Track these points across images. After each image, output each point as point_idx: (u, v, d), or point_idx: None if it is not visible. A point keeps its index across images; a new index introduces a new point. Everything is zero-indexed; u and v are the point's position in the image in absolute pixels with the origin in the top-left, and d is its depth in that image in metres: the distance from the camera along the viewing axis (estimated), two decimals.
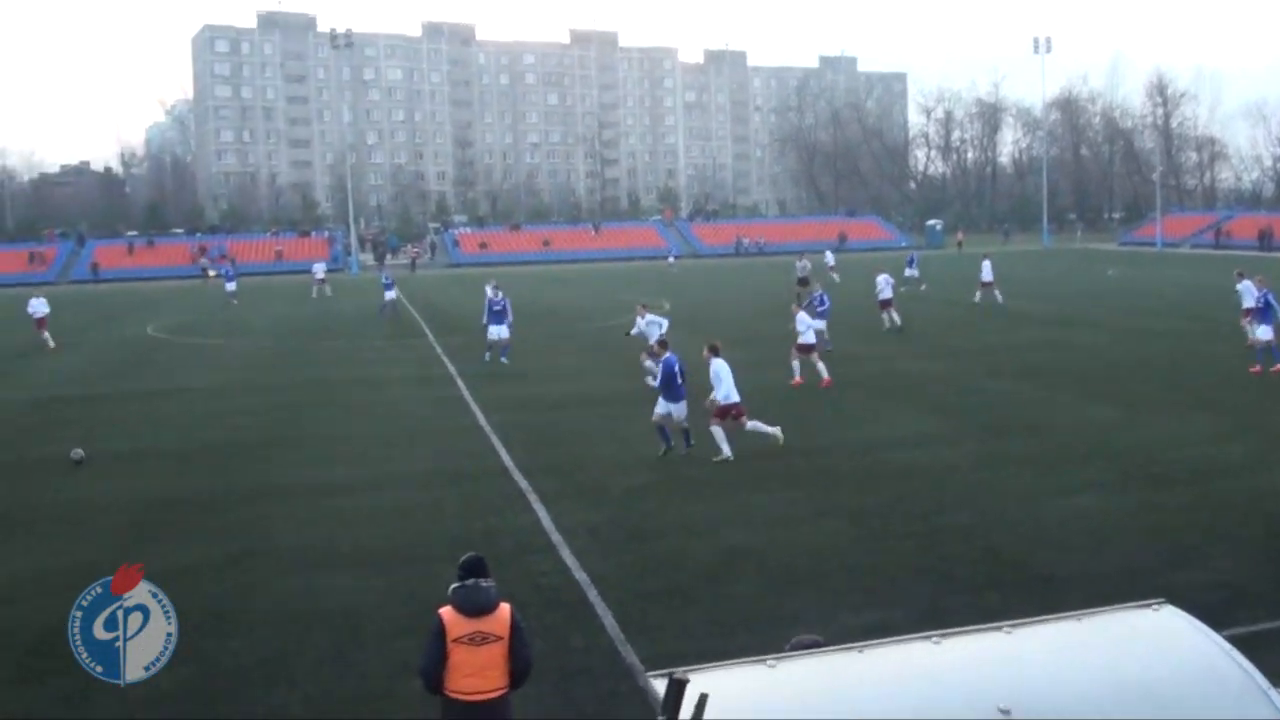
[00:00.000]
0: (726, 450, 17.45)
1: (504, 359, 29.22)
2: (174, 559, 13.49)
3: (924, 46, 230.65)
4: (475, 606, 7.02)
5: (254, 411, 24.18)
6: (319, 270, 64.30)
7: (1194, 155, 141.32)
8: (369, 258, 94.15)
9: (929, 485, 15.98)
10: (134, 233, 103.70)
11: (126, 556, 13.61)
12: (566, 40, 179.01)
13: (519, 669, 7.11)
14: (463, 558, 7.24)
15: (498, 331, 29.55)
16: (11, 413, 25.25)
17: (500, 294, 30.45)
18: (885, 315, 35.03)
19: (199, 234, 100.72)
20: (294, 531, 14.69)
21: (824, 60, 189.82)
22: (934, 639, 4.38)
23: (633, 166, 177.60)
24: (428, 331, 39.39)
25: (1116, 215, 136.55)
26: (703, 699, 3.77)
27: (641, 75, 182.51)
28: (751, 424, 17.98)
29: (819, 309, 29.11)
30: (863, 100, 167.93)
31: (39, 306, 38.74)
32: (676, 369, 17.79)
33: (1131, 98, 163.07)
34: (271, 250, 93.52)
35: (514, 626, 7.10)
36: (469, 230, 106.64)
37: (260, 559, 13.55)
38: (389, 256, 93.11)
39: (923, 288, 48.64)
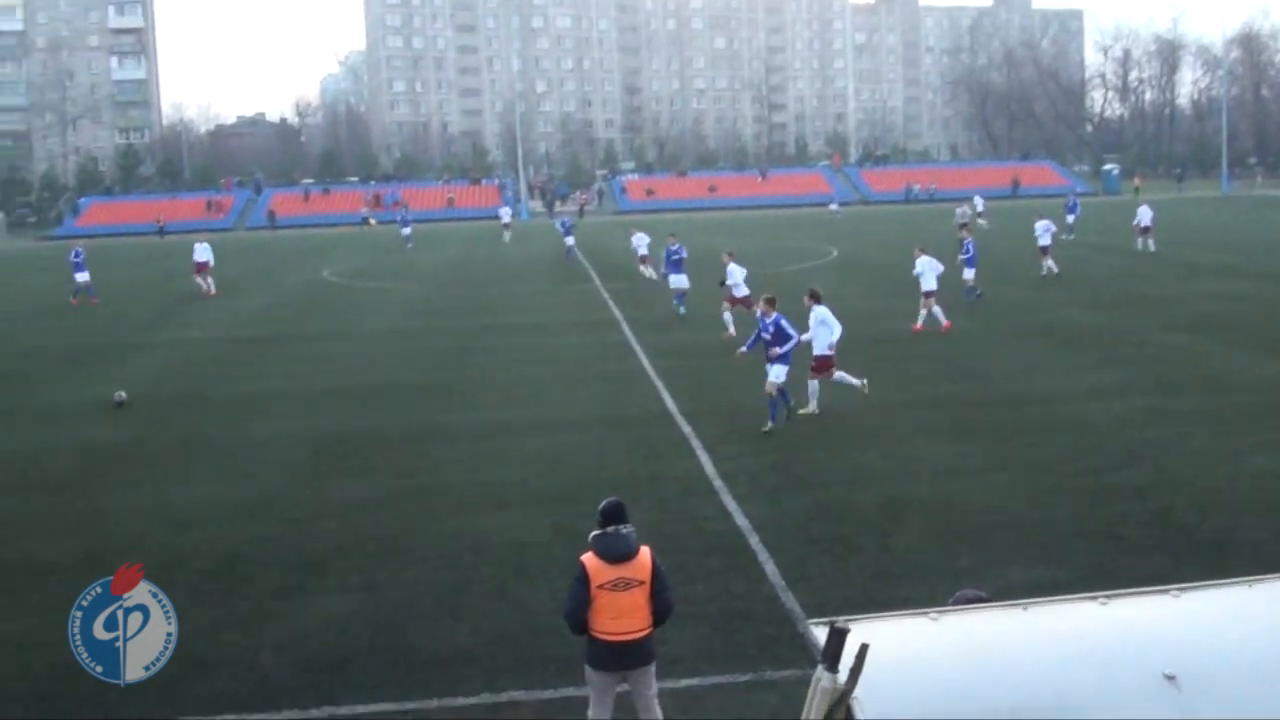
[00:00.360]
0: (814, 405, 17.37)
1: (681, 309, 29.04)
2: (349, 493, 14.11)
3: None
4: (617, 553, 7.17)
5: (424, 354, 24.94)
6: (505, 214, 65.37)
7: None
8: (538, 204, 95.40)
9: (1100, 441, 15.56)
10: (309, 181, 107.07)
11: (305, 489, 14.38)
12: None
13: (661, 611, 7.27)
14: (603, 503, 7.36)
15: (678, 280, 29.40)
16: (199, 354, 26.48)
17: (679, 244, 30.62)
18: (1044, 263, 34.12)
19: (373, 182, 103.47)
20: (462, 470, 15.15)
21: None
22: (1100, 600, 4.33)
23: (800, 111, 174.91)
24: (594, 277, 39.87)
25: None
26: (864, 649, 3.79)
27: (810, 17, 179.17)
28: (839, 375, 17.63)
29: (964, 256, 28.66)
30: (1037, 40, 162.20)
31: (201, 252, 39.61)
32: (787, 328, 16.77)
33: None
34: (444, 197, 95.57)
35: (655, 571, 7.24)
36: (636, 177, 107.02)
37: (431, 496, 14.02)
38: (558, 204, 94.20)
39: (1065, 237, 45.38)
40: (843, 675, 3.87)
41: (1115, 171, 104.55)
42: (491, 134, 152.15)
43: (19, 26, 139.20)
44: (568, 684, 8.44)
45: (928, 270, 25.11)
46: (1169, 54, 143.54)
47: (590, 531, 7.34)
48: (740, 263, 26.40)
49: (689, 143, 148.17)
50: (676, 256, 29.98)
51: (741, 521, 12.46)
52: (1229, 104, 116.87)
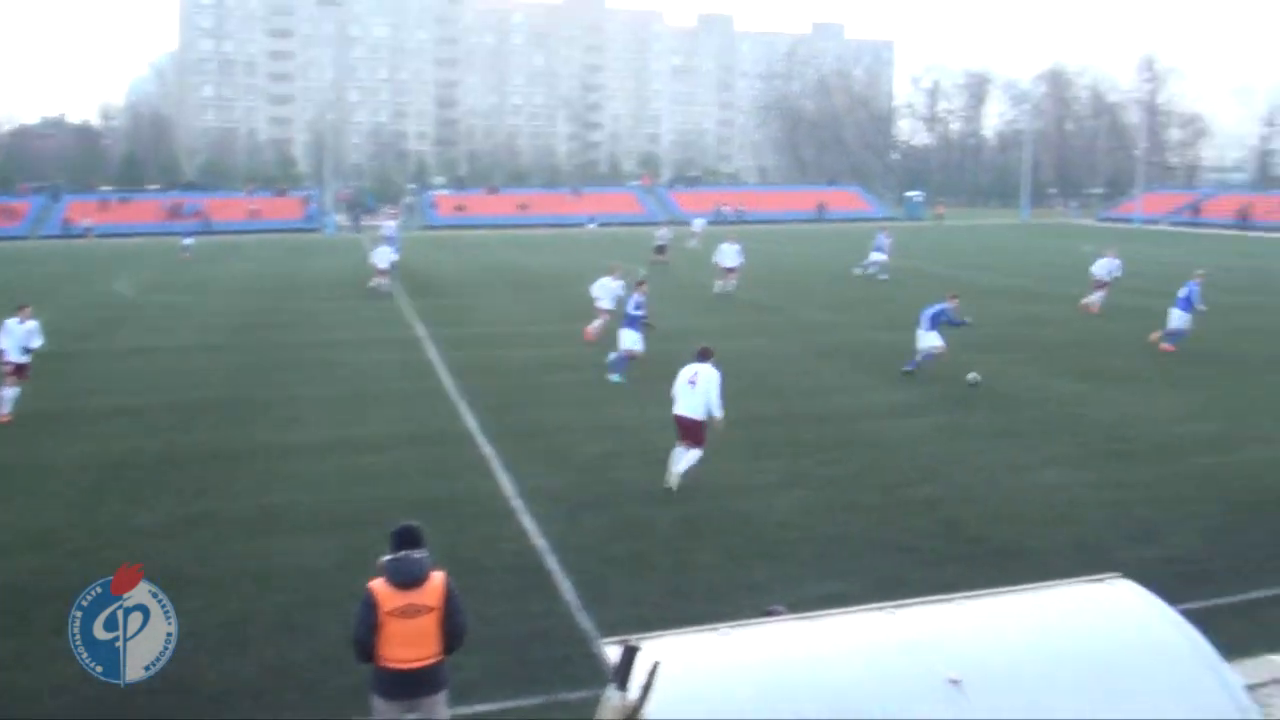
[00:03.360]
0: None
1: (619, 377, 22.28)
2: (135, 520, 13.41)
3: (913, 15, 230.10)
4: (407, 579, 6.93)
5: (218, 372, 24.01)
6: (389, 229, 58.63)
7: (1178, 132, 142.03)
8: (345, 218, 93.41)
9: (895, 457, 16.01)
10: (109, 188, 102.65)
11: (89, 517, 13.58)
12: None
13: (452, 637, 7.05)
14: (395, 528, 7.11)
15: (632, 340, 22.73)
16: None
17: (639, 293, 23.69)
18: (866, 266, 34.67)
19: (175, 189, 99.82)
20: (253, 494, 14.57)
21: (816, 27, 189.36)
22: (888, 609, 4.38)
23: (615, 131, 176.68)
24: (400, 293, 39.15)
25: (1098, 190, 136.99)
26: (655, 666, 3.77)
27: (628, 38, 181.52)
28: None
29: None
30: (850, 68, 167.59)
31: None
32: None
33: (1120, 72, 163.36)
34: (247, 208, 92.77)
35: (447, 596, 7.01)
36: (447, 192, 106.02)
37: (220, 521, 13.43)
38: (364, 218, 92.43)
39: (872, 272, 43.77)
40: (633, 693, 3.81)
41: (919, 198, 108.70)
42: (301, 143, 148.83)
43: None
44: (357, 715, 8.10)
45: (605, 294, 26.14)
46: (977, 87, 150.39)
47: (383, 556, 7.06)
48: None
49: (502, 158, 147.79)
50: (639, 310, 23.08)
51: (540, 542, 12.32)
52: (1033, 136, 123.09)
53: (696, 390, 14.16)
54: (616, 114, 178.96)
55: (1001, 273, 45.00)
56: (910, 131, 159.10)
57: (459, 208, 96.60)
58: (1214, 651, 4.20)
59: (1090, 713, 3.98)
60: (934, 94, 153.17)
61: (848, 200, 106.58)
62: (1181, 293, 26.30)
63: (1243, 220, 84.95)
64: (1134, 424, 18.16)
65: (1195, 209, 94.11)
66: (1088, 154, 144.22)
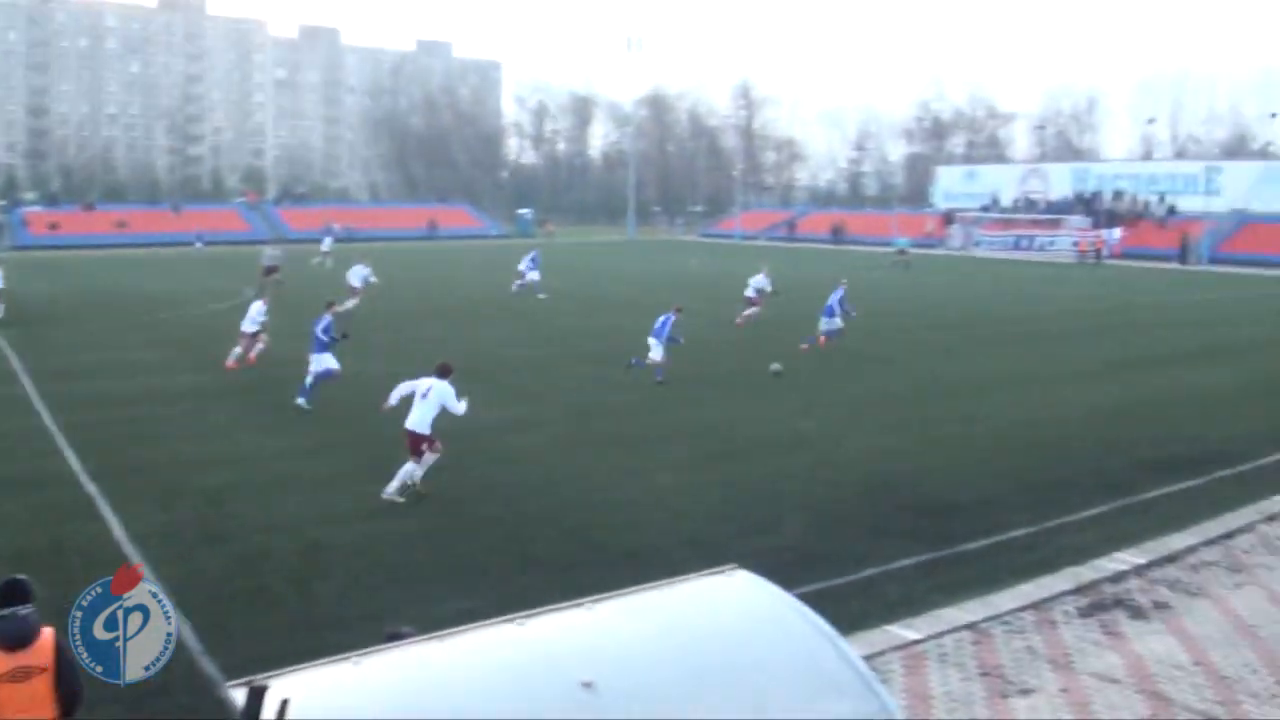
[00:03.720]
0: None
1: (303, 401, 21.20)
2: None
3: (520, 36, 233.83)
4: (14, 639, 6.35)
5: None
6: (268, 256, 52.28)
7: (773, 155, 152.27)
8: None
9: (517, 471, 16.22)
10: None
11: None
12: (153, 3, 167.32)
13: (70, 699, 6.53)
14: None
15: (321, 362, 21.49)
16: None
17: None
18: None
19: None
20: None
21: (421, 44, 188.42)
22: (517, 621, 4.40)
23: (217, 145, 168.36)
24: None
25: (700, 209, 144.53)
26: (284, 704, 3.64)
27: (230, 47, 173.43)
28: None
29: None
30: (457, 87, 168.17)
31: None
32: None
33: (718, 98, 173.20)
34: None
35: (59, 654, 6.46)
36: (39, 209, 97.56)
37: None
38: None
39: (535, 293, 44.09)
40: None
41: (529, 216, 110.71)
42: None
43: None
44: None
45: (254, 316, 25.87)
46: (582, 109, 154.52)
47: None
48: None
49: (98, 173, 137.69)
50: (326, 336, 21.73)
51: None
52: (637, 157, 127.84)
53: (427, 403, 14.59)
54: (219, 127, 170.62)
55: (624, 283, 46.60)
56: (519, 150, 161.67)
57: (52, 226, 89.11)
58: (830, 628, 4.47)
59: (720, 696, 4.17)
60: (540, 114, 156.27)
61: (459, 218, 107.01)
62: (831, 299, 29.06)
63: (836, 236, 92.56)
64: (744, 425, 19.33)
65: (792, 225, 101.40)
66: (689, 174, 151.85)
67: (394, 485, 14.57)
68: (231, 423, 19.84)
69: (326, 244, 62.37)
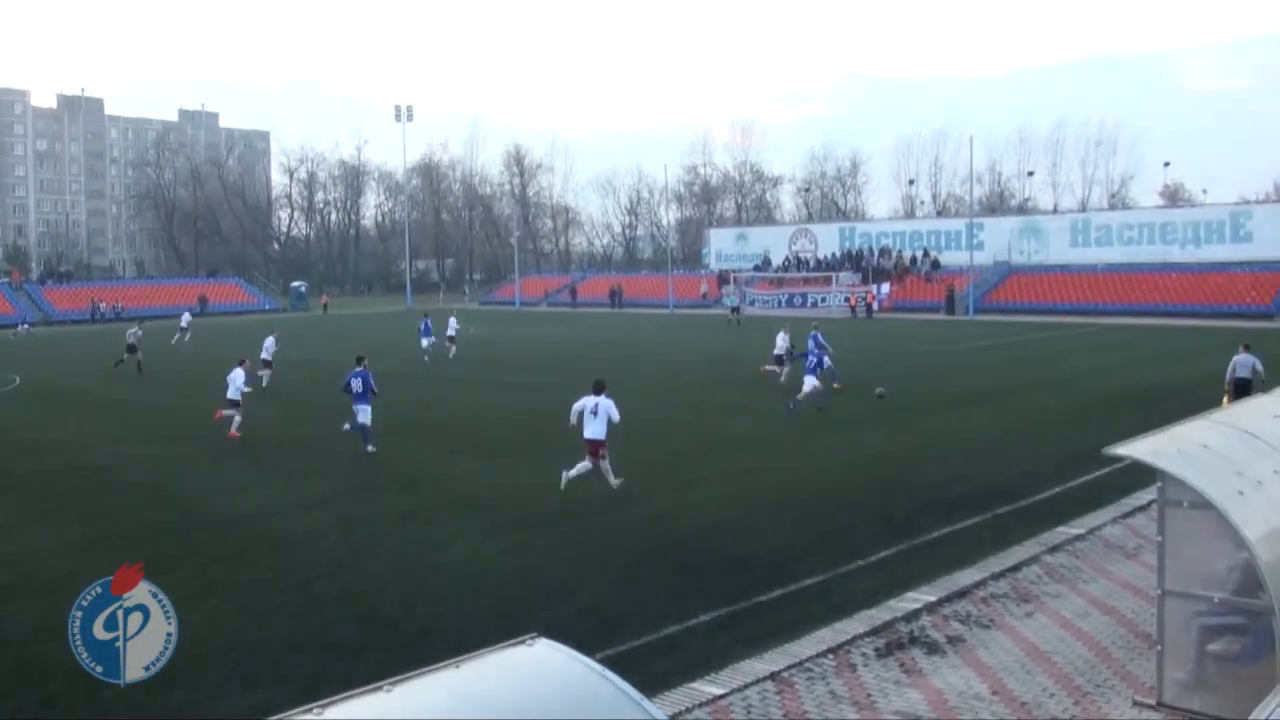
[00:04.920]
0: None
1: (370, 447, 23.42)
2: None
3: (288, 106, 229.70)
4: None
5: None
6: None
7: (549, 221, 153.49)
8: None
9: (307, 552, 15.60)
10: None
11: None
12: None
13: None
14: None
15: (363, 414, 23.79)
16: None
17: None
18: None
19: None
20: None
21: (184, 114, 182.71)
22: (315, 710, 4.18)
23: None
24: None
25: (478, 277, 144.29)
26: None
27: None
28: None
29: None
30: (224, 157, 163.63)
31: None
32: None
33: (490, 166, 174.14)
34: None
35: None
36: None
37: None
38: None
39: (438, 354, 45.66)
40: None
41: (303, 289, 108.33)
42: None
43: None
44: None
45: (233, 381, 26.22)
46: (353, 178, 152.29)
47: None
48: None
49: None
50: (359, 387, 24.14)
51: None
52: (411, 226, 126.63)
53: (598, 417, 18.46)
54: None
55: (392, 359, 45.81)
56: (290, 222, 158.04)
57: None
58: (635, 691, 4.41)
59: None
60: (310, 185, 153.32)
61: (230, 293, 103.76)
62: (810, 348, 30.24)
63: (615, 299, 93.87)
64: (534, 490, 19.12)
65: (572, 290, 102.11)
66: (465, 242, 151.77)
67: (572, 473, 18.43)
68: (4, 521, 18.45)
69: (185, 319, 61.22)
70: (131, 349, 43.77)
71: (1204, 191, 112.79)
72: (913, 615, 12.18)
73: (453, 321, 49.06)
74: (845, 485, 19.45)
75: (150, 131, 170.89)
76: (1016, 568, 14.04)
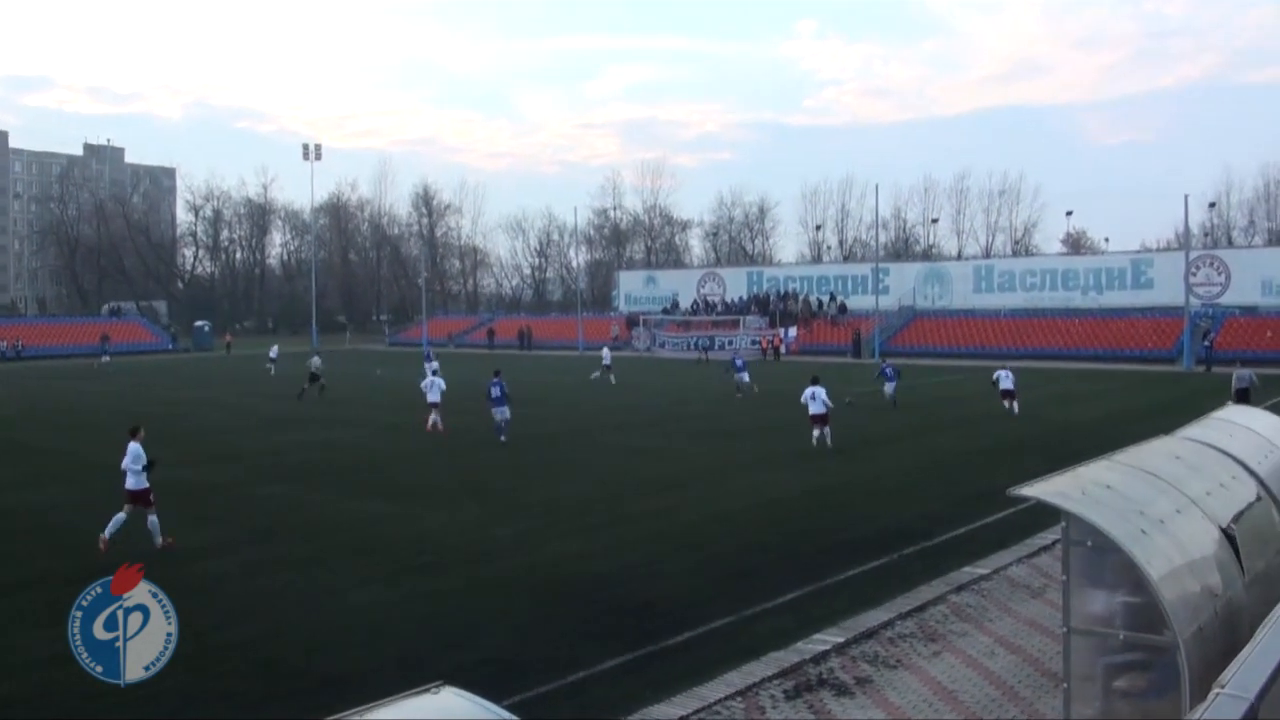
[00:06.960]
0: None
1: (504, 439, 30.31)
2: None
3: (194, 142, 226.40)
4: None
5: None
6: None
7: (458, 262, 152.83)
8: None
9: (202, 601, 15.08)
10: None
11: None
12: None
13: None
14: None
15: (502, 413, 30.77)
16: None
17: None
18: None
19: None
20: None
21: (89, 148, 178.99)
22: None
23: None
24: None
25: (385, 317, 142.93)
26: None
27: None
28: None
29: None
30: (129, 194, 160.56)
31: None
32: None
33: (399, 206, 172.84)
34: None
35: None
36: None
37: None
38: None
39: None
40: None
41: (207, 328, 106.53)
42: None
43: None
44: None
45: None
46: (259, 217, 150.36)
47: None
48: None
49: None
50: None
51: None
52: (318, 266, 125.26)
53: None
54: None
55: (282, 400, 45.12)
56: (194, 260, 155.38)
57: None
58: None
59: None
60: (216, 223, 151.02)
61: (132, 332, 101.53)
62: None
63: (523, 341, 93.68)
64: (439, 535, 18.88)
65: (490, 331, 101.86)
66: (372, 282, 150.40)
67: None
68: None
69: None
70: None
71: (1106, 240, 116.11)
72: (821, 657, 12.19)
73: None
74: (753, 527, 19.47)
75: (55, 166, 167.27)
76: (923, 608, 14.15)
